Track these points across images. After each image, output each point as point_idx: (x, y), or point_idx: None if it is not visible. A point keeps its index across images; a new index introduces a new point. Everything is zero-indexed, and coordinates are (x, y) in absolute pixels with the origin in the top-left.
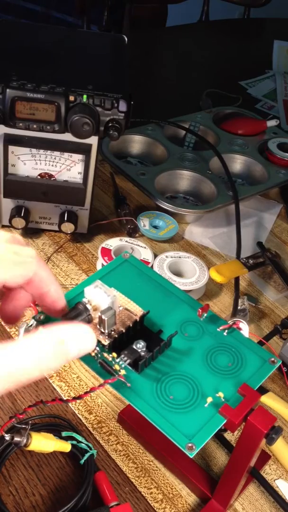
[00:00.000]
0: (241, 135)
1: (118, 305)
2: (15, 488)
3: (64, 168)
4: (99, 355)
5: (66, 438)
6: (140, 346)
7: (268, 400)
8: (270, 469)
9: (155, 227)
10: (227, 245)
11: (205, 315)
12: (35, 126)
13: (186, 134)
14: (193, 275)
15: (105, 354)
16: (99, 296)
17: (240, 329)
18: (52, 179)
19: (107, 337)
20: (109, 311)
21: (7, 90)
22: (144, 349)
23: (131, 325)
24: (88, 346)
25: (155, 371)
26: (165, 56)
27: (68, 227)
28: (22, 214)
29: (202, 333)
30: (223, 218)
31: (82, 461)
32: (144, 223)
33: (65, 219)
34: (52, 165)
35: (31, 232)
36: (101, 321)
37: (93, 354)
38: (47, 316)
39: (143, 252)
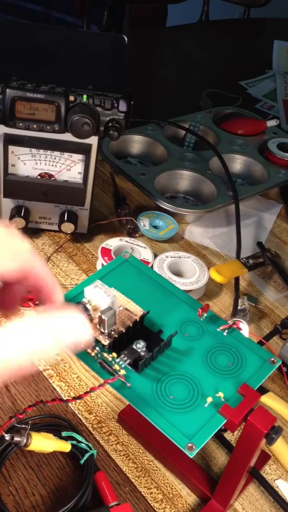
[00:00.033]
0: (241, 135)
1: (118, 305)
2: (15, 488)
3: (64, 168)
4: (99, 355)
5: (66, 438)
6: (140, 346)
7: (268, 400)
8: (270, 469)
9: (155, 227)
10: (227, 245)
11: (205, 315)
12: (35, 126)
13: (186, 134)
14: (193, 275)
15: (105, 354)
16: (99, 296)
17: (240, 329)
18: (52, 179)
19: (107, 337)
20: (109, 311)
21: (7, 90)
22: (144, 349)
23: (131, 325)
24: (83, 338)
25: (155, 371)
26: (165, 56)
27: (68, 227)
28: (22, 214)
29: (202, 333)
30: (223, 218)
31: (82, 461)
32: (144, 223)
33: (65, 219)
34: (52, 165)
35: (31, 232)
36: (101, 321)
37: (93, 354)
38: None
39: (143, 252)
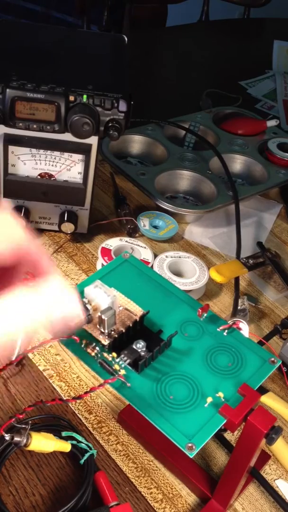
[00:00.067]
0: (241, 135)
1: (118, 305)
2: (15, 488)
3: (64, 168)
4: (99, 355)
5: (66, 438)
6: (140, 346)
7: (268, 400)
8: (270, 469)
9: (155, 227)
10: (227, 245)
11: (205, 315)
12: (35, 126)
13: (186, 134)
14: (193, 275)
15: (105, 354)
16: (99, 296)
17: (240, 329)
18: (52, 179)
19: (107, 337)
20: (109, 311)
21: (7, 90)
22: (144, 349)
23: (131, 325)
24: (73, 315)
25: (155, 371)
26: (165, 56)
27: (68, 227)
28: (22, 214)
29: (202, 333)
30: (223, 218)
31: (82, 461)
32: (144, 223)
33: (65, 219)
34: (52, 165)
35: None
36: (101, 321)
37: (93, 354)
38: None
39: (143, 252)
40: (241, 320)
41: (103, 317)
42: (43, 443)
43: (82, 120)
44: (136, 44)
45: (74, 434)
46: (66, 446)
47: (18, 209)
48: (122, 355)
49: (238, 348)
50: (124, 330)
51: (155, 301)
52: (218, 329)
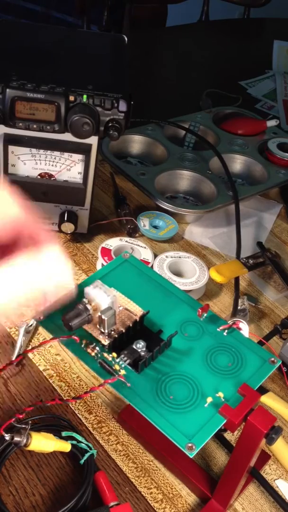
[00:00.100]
0: (241, 135)
1: (118, 305)
2: (15, 488)
3: (64, 168)
4: (99, 355)
5: (66, 438)
6: (140, 346)
7: (268, 400)
8: (270, 469)
9: (155, 227)
10: (227, 245)
11: (205, 315)
12: (35, 126)
13: (186, 134)
14: (193, 275)
15: (105, 354)
16: (99, 296)
17: (240, 329)
18: (52, 179)
19: (107, 337)
20: (109, 311)
21: (7, 90)
22: (144, 349)
23: (131, 325)
24: (64, 284)
25: (155, 371)
26: (165, 56)
27: (68, 227)
28: None
29: (202, 333)
30: (223, 218)
31: (82, 461)
32: (144, 223)
33: (65, 219)
34: (52, 165)
35: None
36: (101, 321)
37: (93, 354)
38: (47, 316)
39: (143, 252)
40: (241, 320)
41: (103, 317)
42: (43, 443)
43: (82, 120)
44: (136, 44)
45: (74, 434)
46: (66, 446)
47: None
48: (122, 355)
49: (238, 348)
50: (124, 330)
51: (155, 301)
52: (218, 329)
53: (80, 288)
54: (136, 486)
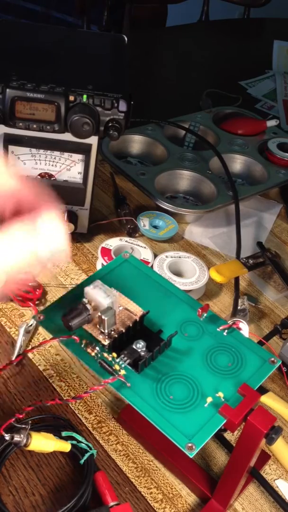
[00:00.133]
0: (241, 135)
1: (118, 305)
2: (15, 488)
3: (64, 168)
4: (99, 355)
5: (66, 438)
6: (140, 346)
7: (268, 400)
8: (270, 469)
9: (155, 227)
10: (227, 245)
11: (205, 315)
12: (35, 126)
13: (186, 134)
14: (193, 275)
15: (105, 354)
16: (99, 296)
17: (240, 329)
18: (52, 179)
19: (107, 337)
20: (109, 311)
21: (7, 90)
22: (144, 349)
23: (131, 325)
24: (58, 248)
25: (155, 371)
26: (165, 56)
27: (68, 227)
28: None
29: (202, 333)
30: (223, 218)
31: (82, 461)
32: (144, 223)
33: (65, 219)
34: (52, 165)
35: None
36: (101, 321)
37: (93, 354)
38: (47, 316)
39: (143, 252)
40: (241, 320)
41: (103, 317)
42: (43, 443)
43: (82, 120)
44: (136, 44)
45: (74, 434)
46: (66, 446)
47: None
48: (122, 355)
49: (238, 348)
50: (124, 330)
51: (155, 301)
52: (218, 329)
53: (80, 288)
54: (136, 486)
